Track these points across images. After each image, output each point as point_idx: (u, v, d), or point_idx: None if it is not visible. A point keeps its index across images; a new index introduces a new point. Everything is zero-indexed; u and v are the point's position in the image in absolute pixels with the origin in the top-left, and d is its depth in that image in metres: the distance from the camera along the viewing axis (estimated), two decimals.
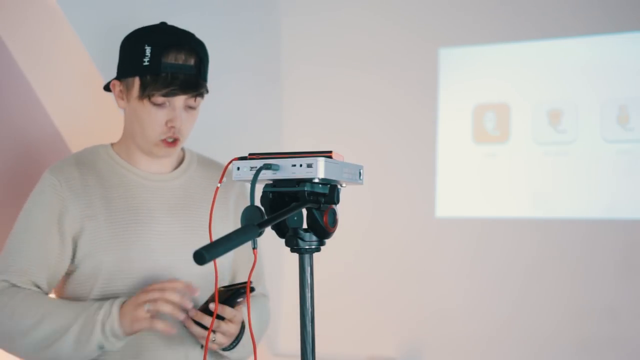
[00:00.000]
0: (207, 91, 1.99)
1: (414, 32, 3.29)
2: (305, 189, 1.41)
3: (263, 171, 1.41)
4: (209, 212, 1.60)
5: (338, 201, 1.45)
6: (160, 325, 1.82)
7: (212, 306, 1.84)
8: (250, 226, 1.30)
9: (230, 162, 1.46)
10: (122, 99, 1.99)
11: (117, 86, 2.00)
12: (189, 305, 1.84)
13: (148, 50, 1.90)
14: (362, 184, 1.53)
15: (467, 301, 3.20)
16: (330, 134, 3.38)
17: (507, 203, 3.19)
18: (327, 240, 1.47)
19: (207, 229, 1.53)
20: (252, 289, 1.85)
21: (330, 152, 1.42)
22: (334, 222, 1.46)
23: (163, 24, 2.03)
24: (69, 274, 1.98)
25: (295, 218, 1.43)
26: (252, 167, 1.43)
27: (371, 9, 3.35)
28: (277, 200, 1.43)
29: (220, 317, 1.87)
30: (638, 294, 2.98)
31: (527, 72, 3.17)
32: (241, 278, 2.15)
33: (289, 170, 1.40)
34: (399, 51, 3.31)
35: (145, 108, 1.93)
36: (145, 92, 1.91)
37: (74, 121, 2.97)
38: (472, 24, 3.22)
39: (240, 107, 3.32)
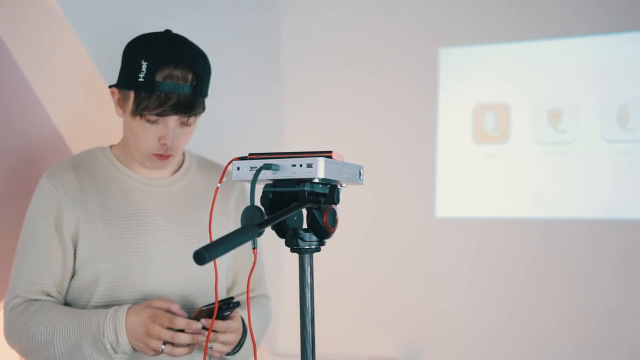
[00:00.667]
0: (204, 109, 1.94)
1: (414, 32, 3.29)
2: (305, 189, 1.41)
3: (263, 171, 1.41)
4: (209, 213, 1.59)
5: (338, 201, 1.45)
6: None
7: (203, 322, 1.85)
8: (250, 226, 1.30)
9: (230, 162, 1.46)
10: (120, 107, 1.97)
11: (116, 94, 1.97)
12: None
13: (144, 65, 1.85)
14: (362, 184, 1.53)
15: (467, 301, 3.20)
16: (330, 133, 3.38)
17: (507, 203, 3.19)
18: (327, 240, 1.47)
19: (206, 233, 1.53)
20: (237, 304, 1.85)
21: (330, 152, 1.42)
22: (334, 222, 1.46)
23: (166, 32, 1.97)
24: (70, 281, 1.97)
25: (295, 218, 1.43)
26: (252, 167, 1.42)
27: (371, 9, 3.35)
28: (277, 200, 1.43)
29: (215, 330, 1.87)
30: (638, 294, 2.98)
31: (527, 72, 3.17)
32: (242, 279, 2.14)
33: (289, 170, 1.40)
34: (399, 51, 3.31)
35: (139, 124, 1.90)
36: (138, 110, 1.88)
37: (74, 122, 2.97)
38: (472, 24, 3.22)
39: (240, 107, 3.32)
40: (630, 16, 3.02)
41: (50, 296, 1.94)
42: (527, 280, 3.13)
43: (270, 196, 1.43)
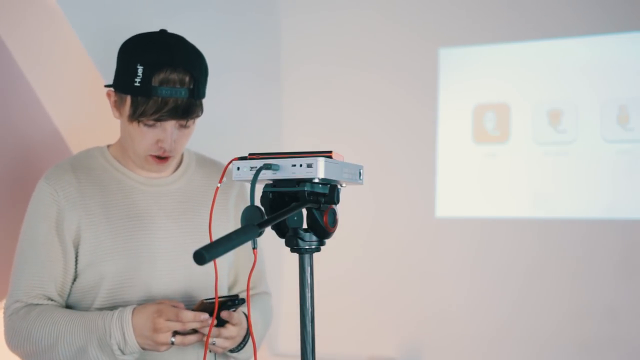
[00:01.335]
0: (202, 112, 1.93)
1: (414, 32, 3.29)
2: (305, 189, 1.41)
3: (263, 171, 1.41)
4: (209, 212, 1.59)
5: (338, 201, 1.45)
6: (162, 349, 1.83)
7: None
8: (250, 226, 1.30)
9: (230, 162, 1.46)
10: (117, 109, 1.96)
11: (112, 97, 1.96)
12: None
13: (140, 70, 1.83)
14: (362, 184, 1.53)
15: (468, 301, 3.20)
16: (330, 133, 3.38)
17: (507, 203, 3.19)
18: (327, 240, 1.47)
19: (208, 232, 1.53)
20: (242, 300, 1.85)
21: (330, 152, 1.42)
22: (334, 222, 1.46)
23: (161, 33, 1.95)
24: (72, 283, 1.97)
25: (295, 218, 1.43)
26: (252, 167, 1.42)
27: (371, 9, 3.35)
28: (277, 200, 1.43)
29: (218, 325, 1.87)
30: (638, 294, 2.98)
31: (527, 72, 3.17)
32: (243, 277, 2.15)
33: (289, 170, 1.40)
34: (399, 51, 3.31)
35: (136, 128, 1.89)
36: (135, 115, 1.86)
37: (74, 121, 2.97)
38: (472, 24, 3.22)
39: (240, 107, 3.32)
40: (630, 16, 3.02)
41: (52, 300, 1.93)
42: (527, 280, 3.13)
43: (270, 196, 1.43)
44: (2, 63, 2.79)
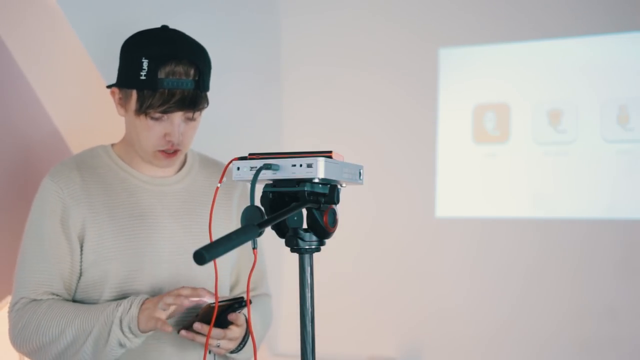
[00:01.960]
0: (208, 103, 1.94)
1: (414, 32, 3.29)
2: (305, 189, 1.41)
3: (263, 171, 1.41)
4: (214, 213, 1.59)
5: (338, 201, 1.45)
6: (168, 329, 1.79)
7: (196, 326, 1.85)
8: (250, 226, 1.30)
9: (230, 162, 1.46)
10: (122, 106, 1.96)
11: (116, 94, 1.96)
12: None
13: (145, 63, 1.84)
14: (362, 184, 1.53)
15: (468, 301, 3.20)
16: (330, 133, 3.38)
17: (508, 203, 3.19)
18: (327, 241, 1.47)
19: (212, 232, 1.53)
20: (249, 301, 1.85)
21: (330, 152, 1.42)
22: (334, 222, 1.46)
23: (163, 28, 1.96)
24: (77, 282, 1.97)
25: (295, 218, 1.43)
26: (252, 167, 1.42)
27: (371, 9, 3.35)
28: (277, 200, 1.43)
29: (223, 326, 1.87)
30: (638, 294, 2.98)
31: (527, 72, 3.17)
32: (244, 279, 2.15)
33: (289, 170, 1.40)
34: (399, 51, 3.31)
35: (143, 122, 1.89)
36: (142, 108, 1.87)
37: (74, 121, 2.97)
38: (472, 24, 3.23)
39: (240, 107, 3.32)
40: (630, 16, 3.02)
41: (58, 296, 1.93)
42: (527, 280, 3.13)
43: (270, 196, 1.43)
44: (2, 63, 2.79)
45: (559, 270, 3.09)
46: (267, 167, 1.40)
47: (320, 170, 1.39)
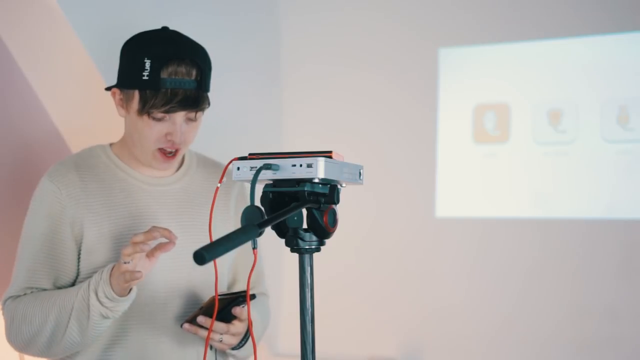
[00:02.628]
0: (209, 104, 1.95)
1: (414, 32, 3.29)
2: (305, 189, 1.41)
3: (263, 171, 1.41)
4: (209, 212, 1.59)
5: (338, 201, 1.45)
6: (138, 275, 1.75)
7: (200, 319, 1.84)
8: (250, 226, 1.30)
9: (230, 162, 1.46)
10: (123, 107, 1.96)
11: (117, 94, 1.96)
12: (151, 241, 1.78)
13: (147, 63, 1.85)
14: (362, 184, 1.53)
15: (468, 301, 3.20)
16: (330, 133, 3.38)
17: (508, 203, 3.19)
18: (327, 241, 1.47)
19: (209, 232, 1.53)
20: (252, 296, 1.86)
21: (330, 152, 1.42)
22: (334, 222, 1.46)
23: (164, 29, 1.97)
24: (74, 282, 1.97)
25: (295, 218, 1.43)
26: (252, 167, 1.43)
27: (371, 9, 3.35)
28: (277, 200, 1.43)
29: (226, 320, 1.87)
30: (638, 294, 2.98)
31: (527, 72, 3.17)
32: (242, 278, 2.15)
33: (289, 170, 1.40)
34: (399, 51, 3.31)
35: (145, 122, 1.90)
36: (145, 108, 1.87)
37: (74, 121, 2.97)
38: (472, 24, 3.22)
39: (240, 107, 3.32)
40: (630, 16, 3.02)
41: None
42: (527, 280, 3.13)
43: (270, 196, 1.44)
44: (2, 63, 2.79)
45: (559, 270, 3.09)
46: (267, 167, 1.41)
47: (320, 170, 1.39)
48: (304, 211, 1.44)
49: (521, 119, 3.17)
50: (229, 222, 2.10)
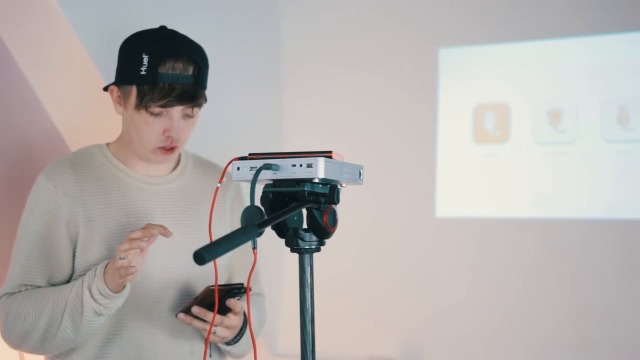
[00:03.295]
0: (206, 100, 1.96)
1: (414, 32, 3.29)
2: (305, 189, 1.41)
3: (263, 171, 1.41)
4: (209, 212, 1.60)
5: (338, 201, 1.45)
6: (133, 269, 1.76)
7: (194, 310, 1.84)
8: (250, 226, 1.30)
9: (230, 162, 1.46)
10: (120, 104, 1.98)
11: (115, 92, 1.98)
12: (149, 238, 1.78)
13: (145, 59, 1.87)
14: (362, 184, 1.53)
15: (468, 301, 3.20)
16: (330, 133, 3.38)
17: (507, 203, 3.19)
18: (327, 241, 1.47)
19: (205, 232, 1.53)
20: (244, 288, 1.86)
21: (330, 152, 1.43)
22: (334, 222, 1.46)
23: (162, 28, 1.99)
24: (69, 280, 1.97)
25: (295, 218, 1.43)
26: (252, 167, 1.43)
27: (371, 9, 3.35)
28: (277, 200, 1.43)
29: (221, 312, 1.87)
30: (638, 294, 2.98)
31: (527, 72, 3.17)
32: (237, 278, 2.15)
33: (289, 170, 1.40)
34: (399, 51, 3.31)
35: (142, 117, 1.91)
36: (142, 103, 1.88)
37: (74, 121, 2.97)
38: (472, 24, 3.22)
39: (240, 107, 3.32)
40: (630, 16, 3.02)
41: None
42: (527, 280, 3.13)
43: (270, 196, 1.44)
44: (2, 63, 2.79)
45: (558, 270, 3.09)
46: (267, 167, 1.41)
47: (320, 170, 1.39)
48: (304, 211, 1.45)
49: (521, 119, 3.17)
50: (225, 221, 2.11)
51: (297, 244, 1.44)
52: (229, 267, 2.14)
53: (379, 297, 3.32)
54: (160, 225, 1.78)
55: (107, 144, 2.07)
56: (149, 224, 1.78)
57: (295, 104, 3.44)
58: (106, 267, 1.82)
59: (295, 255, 1.46)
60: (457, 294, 3.22)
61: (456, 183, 3.26)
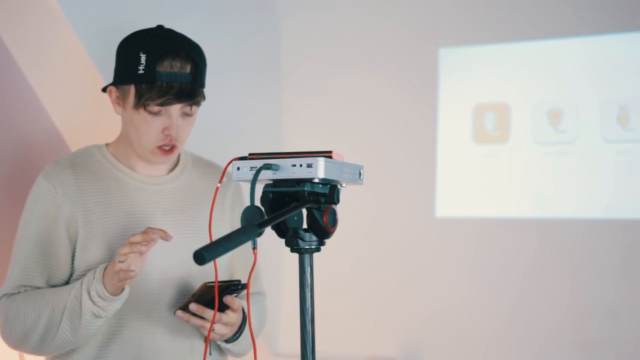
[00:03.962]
0: (204, 98, 1.96)
1: (414, 32, 3.29)
2: (305, 189, 1.41)
3: (263, 171, 1.41)
4: (209, 212, 1.60)
5: (338, 201, 1.45)
6: (132, 274, 1.76)
7: (192, 307, 1.84)
8: (250, 226, 1.30)
9: (230, 162, 1.46)
10: (119, 105, 1.97)
11: (113, 92, 1.97)
12: (151, 242, 1.77)
13: (143, 57, 1.87)
14: (362, 184, 1.53)
15: (467, 301, 3.20)
16: (330, 133, 3.38)
17: (507, 203, 3.19)
18: (327, 241, 1.47)
19: (205, 232, 1.53)
20: (244, 286, 1.86)
21: (330, 152, 1.43)
22: (334, 222, 1.46)
23: (159, 27, 1.99)
24: (68, 281, 1.97)
25: (295, 218, 1.43)
26: (252, 167, 1.43)
27: (371, 9, 3.35)
28: (277, 200, 1.43)
29: (219, 309, 1.87)
30: (638, 294, 2.98)
31: (527, 72, 3.17)
32: (236, 276, 2.15)
33: (289, 170, 1.40)
34: (399, 51, 3.31)
35: (141, 116, 1.91)
36: (141, 101, 1.88)
37: (74, 121, 2.97)
38: (472, 24, 3.22)
39: (240, 107, 3.32)
40: (630, 16, 3.02)
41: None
42: (527, 280, 3.13)
43: (270, 196, 1.44)
44: (2, 63, 2.79)
45: (558, 270, 3.09)
46: (267, 167, 1.41)
47: (320, 170, 1.39)
48: (304, 211, 1.44)
49: (521, 119, 3.17)
50: (225, 221, 2.11)
51: (297, 244, 1.44)
52: (229, 266, 2.14)
53: (379, 297, 3.32)
54: (161, 230, 1.78)
55: (107, 145, 2.07)
56: (149, 227, 1.78)
57: (295, 104, 3.44)
58: (105, 269, 1.82)
59: (295, 255, 1.46)
60: (457, 294, 3.22)
61: (456, 183, 3.26)
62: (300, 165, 1.39)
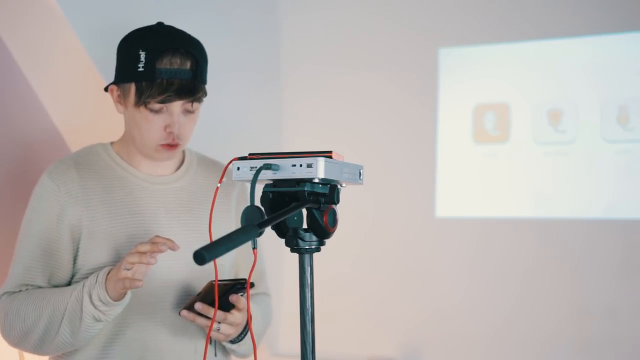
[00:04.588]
0: (206, 94, 1.95)
1: (414, 32, 3.29)
2: (305, 189, 1.41)
3: (263, 171, 1.41)
4: (209, 212, 1.60)
5: (338, 201, 1.45)
6: (139, 283, 1.75)
7: (197, 306, 1.84)
8: (250, 226, 1.30)
9: (230, 162, 1.46)
10: (121, 103, 1.97)
11: (115, 91, 1.97)
12: (159, 251, 1.77)
13: (142, 55, 1.86)
14: (362, 184, 1.53)
15: (467, 301, 3.20)
16: (330, 133, 3.38)
17: (507, 203, 3.19)
18: (327, 241, 1.47)
19: (209, 231, 1.53)
20: (251, 285, 1.85)
21: (330, 152, 1.42)
22: (334, 222, 1.46)
23: (159, 24, 1.98)
24: (70, 280, 1.97)
25: (295, 218, 1.43)
26: (252, 167, 1.43)
27: (371, 9, 3.35)
28: (277, 200, 1.43)
29: (224, 309, 1.86)
30: (638, 294, 2.98)
31: (527, 72, 3.17)
32: (242, 275, 2.15)
33: (289, 170, 1.40)
34: (399, 51, 3.31)
35: (143, 114, 1.90)
36: (141, 99, 1.88)
37: (74, 121, 2.97)
38: (472, 24, 3.22)
39: (240, 107, 3.32)
40: (630, 16, 3.02)
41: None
42: (527, 280, 3.13)
43: (270, 196, 1.44)
44: (2, 63, 2.79)
45: (558, 270, 3.09)
46: (267, 167, 1.41)
47: (320, 170, 1.39)
48: (304, 211, 1.44)
49: (521, 119, 3.17)
50: (230, 221, 2.10)
51: (297, 244, 1.44)
52: (234, 266, 2.14)
53: (379, 297, 3.32)
54: (169, 239, 1.77)
55: (111, 143, 2.06)
56: (157, 237, 1.77)
57: (295, 104, 3.44)
58: (108, 274, 1.81)
59: (295, 255, 1.46)
60: (457, 293, 3.22)
61: (456, 183, 3.26)
62: (300, 165, 1.39)
